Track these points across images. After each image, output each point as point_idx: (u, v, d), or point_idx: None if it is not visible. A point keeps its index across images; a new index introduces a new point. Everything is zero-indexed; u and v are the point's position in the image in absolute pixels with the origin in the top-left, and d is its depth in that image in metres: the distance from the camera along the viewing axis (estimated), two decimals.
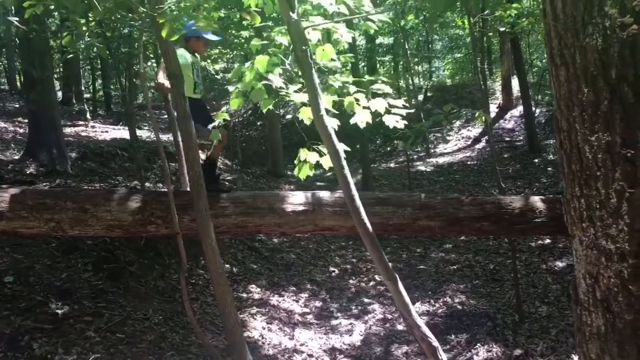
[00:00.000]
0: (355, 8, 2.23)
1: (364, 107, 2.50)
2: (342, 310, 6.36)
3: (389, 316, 6.17)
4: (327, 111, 2.51)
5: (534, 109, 12.44)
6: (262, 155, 12.79)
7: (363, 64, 15.73)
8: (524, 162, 12.01)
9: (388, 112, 2.50)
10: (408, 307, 2.15)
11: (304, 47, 1.90)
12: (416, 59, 18.23)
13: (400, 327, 5.89)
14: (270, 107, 2.41)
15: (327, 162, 2.71)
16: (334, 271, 7.34)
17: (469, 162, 12.55)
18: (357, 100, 2.44)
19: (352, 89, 2.42)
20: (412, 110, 4.08)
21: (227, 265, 6.67)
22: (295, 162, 2.62)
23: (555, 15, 1.88)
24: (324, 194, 5.02)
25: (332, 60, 2.41)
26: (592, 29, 1.80)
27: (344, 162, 2.08)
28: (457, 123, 14.69)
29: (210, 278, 4.83)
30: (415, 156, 13.44)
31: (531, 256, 7.60)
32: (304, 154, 2.51)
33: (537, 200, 4.81)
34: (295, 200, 4.76)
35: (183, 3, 3.21)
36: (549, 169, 11.37)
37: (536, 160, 11.82)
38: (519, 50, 11.80)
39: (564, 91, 1.92)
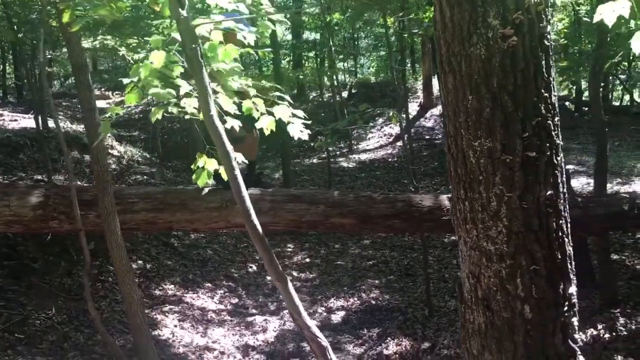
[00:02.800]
0: (254, 7, 2.20)
1: (268, 113, 2.48)
2: (258, 306, 6.33)
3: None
4: (227, 113, 2.47)
5: None
6: (184, 148, 12.48)
7: (288, 58, 15.70)
8: (442, 160, 12.39)
9: (290, 122, 2.50)
10: (298, 308, 2.16)
11: (193, 46, 1.85)
12: (341, 56, 18.39)
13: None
14: (159, 116, 2.35)
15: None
16: (251, 267, 7.30)
17: (389, 159, 12.81)
18: (255, 104, 2.41)
19: (252, 92, 2.38)
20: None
21: (140, 262, 6.48)
22: (193, 167, 2.56)
23: (444, 24, 1.94)
24: None
25: (236, 60, 2.37)
26: (476, 38, 1.87)
27: (235, 164, 2.05)
28: (380, 120, 14.95)
29: (116, 276, 4.66)
30: (338, 152, 13.57)
31: (443, 252, 7.88)
32: (201, 160, 2.46)
33: (445, 199, 4.97)
34: (208, 196, 4.68)
35: None
36: None
37: None
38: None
39: (451, 97, 1.98)
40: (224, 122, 2.41)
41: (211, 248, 7.47)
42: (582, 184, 9.96)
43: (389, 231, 5.67)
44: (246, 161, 5.03)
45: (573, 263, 2.02)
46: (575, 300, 2.00)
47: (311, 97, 16.68)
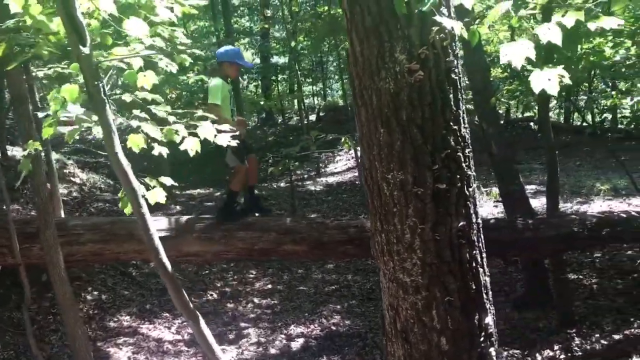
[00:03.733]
0: (169, 41, 2.21)
1: (191, 134, 2.47)
2: (216, 335, 6.19)
3: (263, 339, 6.12)
4: (154, 140, 2.45)
5: None
6: (150, 172, 12.31)
7: (255, 83, 15.73)
8: None
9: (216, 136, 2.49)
10: (211, 346, 2.12)
11: (96, 83, 1.84)
12: (309, 79, 18.52)
13: (273, 350, 5.87)
14: (76, 137, 2.32)
15: (153, 196, 2.65)
16: (211, 295, 7.19)
17: (356, 182, 12.84)
18: (176, 131, 2.41)
19: (172, 118, 2.38)
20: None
21: (95, 293, 6.34)
22: (119, 195, 2.53)
23: (355, 57, 1.96)
24: (190, 220, 4.93)
25: (155, 84, 2.36)
26: (385, 73, 1.89)
27: (142, 200, 2.03)
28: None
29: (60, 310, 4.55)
30: (305, 176, 13.58)
31: None
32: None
33: None
34: (158, 225, 4.61)
35: (22, 23, 3.02)
36: None
37: None
38: None
39: (365, 130, 2.00)
40: (151, 148, 2.41)
41: None
42: (543, 204, 10.08)
43: (343, 257, 5.66)
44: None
45: (489, 293, 2.03)
46: (492, 330, 2.00)
47: (279, 121, 16.73)
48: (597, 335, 5.72)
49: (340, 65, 18.58)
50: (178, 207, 10.78)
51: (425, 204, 1.90)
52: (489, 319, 1.98)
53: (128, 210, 2.56)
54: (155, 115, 2.32)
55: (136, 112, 2.39)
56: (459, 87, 1.95)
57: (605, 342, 5.59)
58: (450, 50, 1.91)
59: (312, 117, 16.40)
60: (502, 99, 8.86)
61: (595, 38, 5.71)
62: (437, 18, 1.68)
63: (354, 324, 6.58)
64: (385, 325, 2.11)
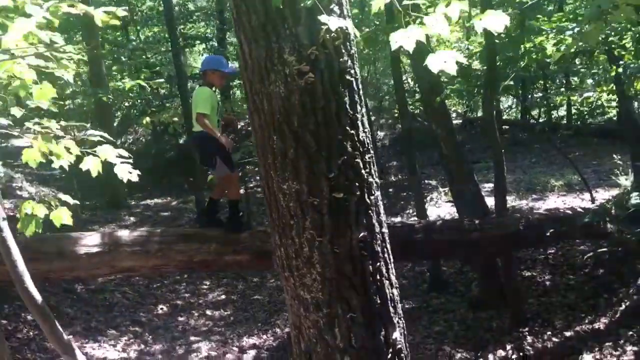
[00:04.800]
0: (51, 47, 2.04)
1: (91, 154, 2.31)
2: (165, 351, 6.01)
3: (214, 353, 5.94)
4: (52, 153, 2.28)
5: (375, 130, 12.96)
6: (104, 185, 12.00)
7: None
8: (386, 187, 12.40)
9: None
10: None
11: None
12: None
13: None
14: None
15: (57, 217, 2.48)
16: (162, 309, 6.97)
17: None
18: (67, 148, 2.24)
19: (61, 133, 2.22)
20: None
21: None
22: (18, 216, 2.34)
23: (245, 61, 1.83)
24: (123, 233, 4.73)
25: (55, 97, 2.19)
26: (274, 76, 1.76)
27: (4, 223, 1.86)
28: None
29: None
30: None
31: None
32: (28, 206, 2.24)
33: None
34: (90, 241, 4.43)
35: None
36: (390, 190, 11.82)
37: (391, 181, 12.26)
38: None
39: (258, 137, 1.87)
40: (50, 162, 2.25)
41: (120, 291, 7.10)
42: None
43: None
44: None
45: (398, 306, 1.92)
46: (401, 345, 1.89)
47: (239, 126, 16.50)
48: (549, 332, 5.71)
49: None
50: (132, 218, 10.49)
51: (322, 215, 1.77)
52: (397, 334, 1.87)
53: (29, 231, 2.39)
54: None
55: (29, 124, 2.21)
56: (355, 89, 1.83)
57: (557, 340, 5.58)
58: (344, 50, 1.79)
59: None
60: (451, 98, 8.86)
61: (537, 37, 5.72)
62: (323, 17, 1.55)
63: None
64: (291, 345, 1.98)
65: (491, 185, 11.59)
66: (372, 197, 1.85)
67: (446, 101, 12.87)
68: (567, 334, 5.66)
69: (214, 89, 4.68)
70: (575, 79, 9.64)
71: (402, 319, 1.93)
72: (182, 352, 6.01)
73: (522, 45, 5.86)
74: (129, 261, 4.48)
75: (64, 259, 4.30)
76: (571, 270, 7.02)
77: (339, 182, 1.77)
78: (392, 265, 1.95)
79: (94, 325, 6.26)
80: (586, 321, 5.82)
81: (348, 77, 1.81)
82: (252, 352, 6.02)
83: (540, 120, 11.63)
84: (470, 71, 6.40)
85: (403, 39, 1.50)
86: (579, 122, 11.21)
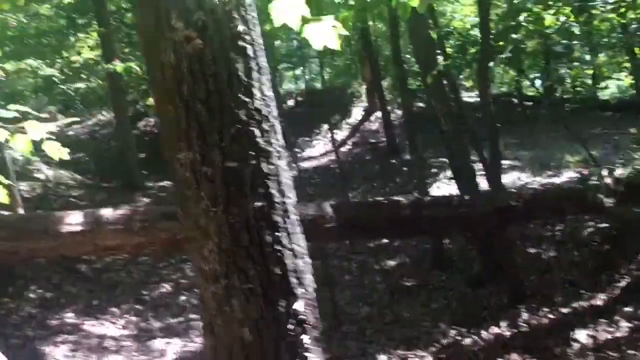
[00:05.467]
0: None
1: (19, 132, 2.33)
2: (165, 329, 6.13)
3: None
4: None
5: (391, 108, 12.82)
6: (119, 167, 12.25)
7: None
8: (384, 163, 12.33)
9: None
10: None
11: None
12: (283, 64, 18.31)
13: None
14: None
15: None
16: (164, 287, 7.09)
17: (331, 165, 12.69)
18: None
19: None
20: None
21: (40, 291, 6.25)
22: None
23: (139, 29, 1.80)
24: (106, 212, 4.78)
25: None
26: (164, 43, 1.73)
27: None
28: (325, 127, 14.86)
29: None
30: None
31: (368, 257, 7.76)
32: None
33: (328, 207, 4.85)
34: (73, 219, 4.50)
35: None
36: (404, 169, 11.71)
37: (394, 161, 12.15)
38: (371, 51, 12.07)
39: (157, 107, 1.85)
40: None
41: (125, 270, 7.25)
42: (514, 178, 9.94)
43: None
44: None
45: (304, 277, 1.89)
46: (305, 316, 1.86)
47: None
48: (546, 309, 5.60)
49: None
50: (146, 199, 10.66)
51: (216, 185, 1.75)
52: (300, 305, 1.84)
53: None
54: None
55: None
56: (251, 55, 1.78)
57: (552, 317, 5.47)
58: (236, 16, 1.75)
59: (290, 102, 16.18)
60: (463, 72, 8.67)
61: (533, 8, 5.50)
62: None
63: None
64: (204, 319, 1.97)
65: (507, 162, 11.38)
66: (271, 166, 1.81)
67: (461, 76, 12.63)
68: (564, 310, 5.55)
69: None
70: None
71: (309, 289, 1.90)
72: (181, 330, 6.12)
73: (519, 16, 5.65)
74: (112, 239, 4.54)
75: (48, 237, 4.39)
76: (576, 247, 6.85)
77: (232, 151, 1.74)
78: (301, 235, 1.91)
79: (96, 303, 6.43)
80: (585, 297, 5.69)
81: (242, 43, 1.76)
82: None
83: (558, 95, 11.26)
84: (468, 44, 6.23)
85: (283, 10, 1.46)
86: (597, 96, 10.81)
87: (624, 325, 4.96)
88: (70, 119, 12.12)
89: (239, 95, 1.75)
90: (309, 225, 4.71)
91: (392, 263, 7.45)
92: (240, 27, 1.75)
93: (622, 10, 4.99)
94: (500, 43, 5.79)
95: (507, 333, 5.34)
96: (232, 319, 1.79)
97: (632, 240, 5.79)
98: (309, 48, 19.09)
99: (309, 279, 1.92)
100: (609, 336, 4.86)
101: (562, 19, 5.38)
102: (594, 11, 5.14)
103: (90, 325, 5.96)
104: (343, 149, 14.01)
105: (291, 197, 1.90)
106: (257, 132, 1.78)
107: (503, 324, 5.50)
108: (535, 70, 13.93)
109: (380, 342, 5.54)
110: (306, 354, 1.87)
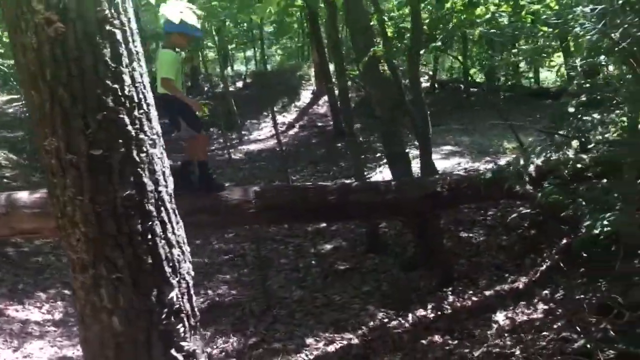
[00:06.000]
0: None
1: None
2: None
3: None
4: None
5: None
6: None
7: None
8: (330, 147, 12.36)
9: None
10: None
11: None
12: (241, 45, 18.05)
13: None
14: None
15: None
16: None
17: (277, 149, 12.62)
18: None
19: None
20: None
21: None
22: None
23: (4, 6, 1.72)
24: (22, 195, 4.65)
25: None
26: (24, 25, 1.66)
27: None
28: (273, 109, 14.75)
29: None
30: (228, 144, 13.25)
31: (304, 240, 7.80)
32: None
33: (251, 192, 4.83)
34: None
35: None
36: (349, 153, 11.74)
37: (340, 145, 12.19)
38: (319, 35, 11.99)
39: (25, 92, 1.78)
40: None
41: (55, 254, 7.06)
42: (453, 164, 10.12)
43: (196, 227, 5.44)
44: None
45: (179, 265, 1.87)
46: (180, 305, 1.85)
47: (206, 88, 16.29)
48: (471, 292, 5.76)
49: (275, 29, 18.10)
50: None
51: (81, 173, 1.70)
52: (175, 294, 1.82)
53: None
54: None
55: None
56: (120, 40, 1.73)
57: (476, 299, 5.63)
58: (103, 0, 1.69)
59: (239, 84, 16.00)
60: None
61: None
62: None
63: (238, 293, 6.47)
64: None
65: (449, 147, 11.59)
66: (142, 155, 1.77)
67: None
68: (488, 293, 5.71)
69: (177, 50, 4.57)
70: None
71: (185, 279, 1.88)
72: None
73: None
74: (29, 223, 4.43)
75: None
76: (506, 231, 7.04)
77: (98, 139, 1.69)
78: (178, 225, 1.89)
79: (21, 287, 6.26)
80: (509, 281, 5.87)
81: (109, 27, 1.71)
82: None
83: (501, 84, 11.51)
84: (402, 30, 6.26)
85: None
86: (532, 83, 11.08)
87: (541, 307, 5.14)
88: (10, 96, 11.67)
89: (107, 81, 1.70)
90: (234, 210, 4.72)
91: (328, 247, 7.50)
92: (107, 11, 1.70)
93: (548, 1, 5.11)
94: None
95: (432, 315, 5.47)
96: (101, 308, 1.76)
97: (556, 225, 5.99)
98: (260, 29, 18.80)
99: (186, 268, 1.90)
100: (526, 318, 5.04)
101: (492, 8, 5.45)
102: (522, 2, 5.21)
103: (14, 310, 5.80)
104: (291, 132, 13.99)
105: (168, 186, 1.87)
106: (126, 119, 1.74)
107: (429, 306, 5.62)
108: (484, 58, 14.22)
109: (309, 325, 5.59)
110: (182, 343, 1.86)
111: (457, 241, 7.14)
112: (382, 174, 9.54)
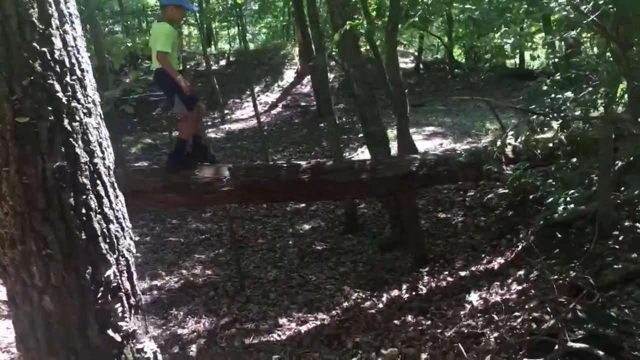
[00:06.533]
0: None
1: None
2: None
3: None
4: None
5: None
6: None
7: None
8: (313, 127, 12.25)
9: None
10: None
11: None
12: (224, 23, 17.78)
13: None
14: None
15: None
16: None
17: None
18: None
19: None
20: None
21: None
22: None
23: None
24: None
25: None
26: None
27: None
28: (257, 88, 14.58)
29: None
30: (209, 123, 13.11)
31: (283, 220, 7.73)
32: None
33: (225, 170, 4.72)
34: None
35: None
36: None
37: (322, 125, 12.08)
38: (303, 13, 11.81)
39: None
40: None
41: None
42: (435, 144, 10.08)
43: (166, 205, 5.35)
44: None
45: (120, 242, 1.77)
46: (117, 284, 1.75)
47: (188, 66, 16.03)
48: (446, 272, 5.73)
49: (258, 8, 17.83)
50: None
51: (7, 142, 1.59)
52: (112, 272, 1.73)
53: None
54: None
55: None
56: (50, 1, 1.62)
57: (451, 279, 5.60)
58: None
59: (223, 63, 15.77)
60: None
61: None
62: None
63: (213, 273, 6.41)
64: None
65: (431, 128, 11.51)
66: (75, 124, 1.66)
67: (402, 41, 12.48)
68: (463, 273, 5.68)
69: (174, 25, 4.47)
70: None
71: (125, 256, 1.79)
72: None
73: None
74: None
75: None
76: (484, 212, 7.02)
77: (24, 106, 1.58)
78: (117, 199, 1.79)
79: None
80: (484, 261, 5.85)
81: None
82: (153, 293, 5.96)
83: (486, 65, 11.43)
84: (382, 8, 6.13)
85: None
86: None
87: (515, 287, 5.12)
88: None
89: (34, 44, 1.58)
90: (205, 187, 4.61)
91: (306, 227, 7.44)
92: None
93: None
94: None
95: (406, 296, 5.44)
96: (32, 285, 1.66)
97: (532, 206, 5.96)
98: (239, 7, 18.48)
99: (125, 244, 1.81)
100: (499, 298, 5.02)
101: None
102: None
103: None
104: (273, 112, 13.84)
105: (105, 158, 1.77)
106: (57, 85, 1.62)
107: (404, 287, 5.60)
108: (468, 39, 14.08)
109: (283, 305, 5.55)
110: (121, 323, 1.77)
111: (436, 222, 7.11)
112: (364, 154, 9.47)
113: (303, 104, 13.80)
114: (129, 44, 7.40)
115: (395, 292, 5.53)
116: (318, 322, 5.21)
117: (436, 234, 6.73)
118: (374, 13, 6.87)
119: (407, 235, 6.21)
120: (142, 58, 13.76)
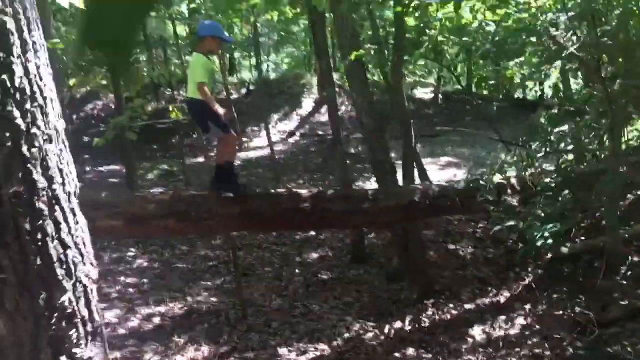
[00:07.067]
0: None
1: None
2: None
3: (115, 320, 5.88)
4: None
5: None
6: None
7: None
8: (327, 155, 12.27)
9: None
10: None
11: None
12: (245, 53, 18.12)
13: (122, 330, 5.63)
14: None
15: None
16: None
17: (277, 157, 12.57)
18: None
19: None
20: None
21: None
22: None
23: None
24: None
25: None
26: None
27: None
28: (276, 117, 14.73)
29: None
30: None
31: (291, 249, 7.70)
32: None
33: (223, 198, 4.75)
34: None
35: None
36: (348, 162, 11.65)
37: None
38: (323, 43, 11.92)
39: None
40: None
41: None
42: (450, 175, 10.01)
43: (167, 233, 5.38)
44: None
45: (79, 268, 1.78)
46: (73, 310, 1.76)
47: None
48: (451, 305, 5.63)
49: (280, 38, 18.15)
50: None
51: None
52: (68, 298, 1.74)
53: None
54: None
55: None
56: (12, 30, 1.65)
57: (456, 312, 5.50)
58: None
59: (243, 91, 16.01)
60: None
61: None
62: None
63: (218, 300, 6.38)
64: None
65: (447, 159, 11.44)
66: (34, 150, 1.69)
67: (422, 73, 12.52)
68: (468, 306, 5.58)
69: (209, 56, 4.60)
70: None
71: (82, 282, 1.79)
72: None
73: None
74: None
75: None
76: (494, 244, 6.91)
77: None
78: (77, 225, 1.80)
79: None
80: (491, 295, 5.73)
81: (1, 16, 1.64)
82: (156, 320, 5.95)
83: (501, 95, 11.38)
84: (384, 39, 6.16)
85: None
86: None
87: (519, 322, 5.00)
88: None
89: None
90: (205, 215, 4.63)
91: (314, 255, 7.40)
92: None
93: (533, 10, 4.98)
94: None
95: (409, 328, 5.34)
96: None
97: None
98: (265, 37, 18.81)
99: (85, 270, 1.82)
100: (502, 333, 4.90)
101: (480, 17, 5.35)
102: (508, 10, 5.10)
103: None
104: (291, 140, 13.94)
105: (66, 184, 1.79)
106: (16, 112, 1.66)
107: (408, 319, 5.50)
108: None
109: (284, 335, 5.49)
110: (75, 350, 1.77)
111: (444, 253, 7.01)
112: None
113: (320, 132, 13.88)
114: (145, 73, 7.57)
115: (398, 324, 5.45)
116: (318, 353, 5.14)
117: (444, 265, 6.63)
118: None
119: (411, 266, 6.13)
120: (164, 87, 14.05)
